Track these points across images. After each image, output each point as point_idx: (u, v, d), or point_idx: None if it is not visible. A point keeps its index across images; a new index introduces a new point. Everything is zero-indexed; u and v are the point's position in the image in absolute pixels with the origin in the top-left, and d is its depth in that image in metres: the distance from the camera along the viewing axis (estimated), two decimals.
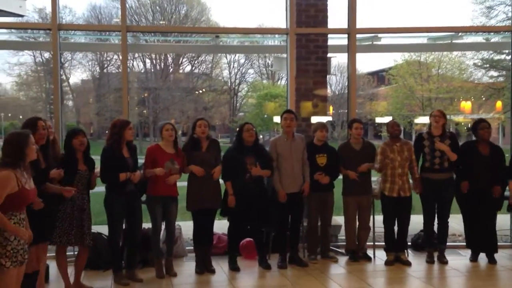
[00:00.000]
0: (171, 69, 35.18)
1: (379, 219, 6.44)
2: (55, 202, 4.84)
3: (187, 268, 6.07)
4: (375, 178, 6.53)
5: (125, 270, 5.58)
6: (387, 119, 26.54)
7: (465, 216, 6.30)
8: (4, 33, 8.74)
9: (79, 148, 5.08)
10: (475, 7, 28.06)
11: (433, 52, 27.58)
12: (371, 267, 6.20)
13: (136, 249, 5.63)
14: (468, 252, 6.42)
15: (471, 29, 10.20)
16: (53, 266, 5.47)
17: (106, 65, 34.72)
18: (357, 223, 6.39)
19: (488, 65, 25.15)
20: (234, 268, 5.97)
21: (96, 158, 5.34)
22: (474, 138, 6.35)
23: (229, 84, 36.87)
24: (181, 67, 36.07)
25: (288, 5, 6.91)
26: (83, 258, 5.29)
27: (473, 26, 19.07)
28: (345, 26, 7.06)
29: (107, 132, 5.79)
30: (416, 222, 6.53)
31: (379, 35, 8.16)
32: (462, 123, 29.96)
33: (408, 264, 6.16)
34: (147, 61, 33.95)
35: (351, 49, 7.00)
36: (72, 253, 5.87)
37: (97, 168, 5.40)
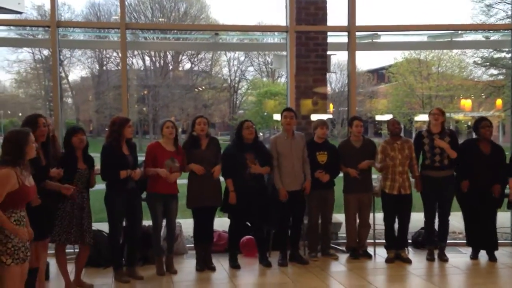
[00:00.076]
0: (171, 67, 35.15)
1: (379, 216, 6.44)
2: (55, 200, 4.84)
3: (187, 265, 6.08)
4: (375, 175, 6.52)
5: (125, 267, 5.58)
6: (387, 117, 26.59)
7: (465, 214, 6.30)
8: (3, 30, 8.73)
9: (79, 146, 5.08)
10: (475, 5, 28.02)
11: (433, 50, 27.55)
12: (371, 265, 6.20)
13: (137, 246, 5.64)
14: (468, 250, 6.42)
15: (471, 27, 10.22)
16: (53, 264, 5.47)
17: (105, 63, 34.75)
18: (358, 220, 6.39)
19: (488, 63, 25.15)
20: (234, 265, 5.97)
21: (96, 156, 5.34)
22: (475, 136, 6.34)
23: (229, 82, 36.88)
24: (180, 65, 36.07)
25: (287, 3, 6.90)
26: (83, 256, 5.29)
27: (473, 24, 19.06)
28: (345, 24, 7.04)
29: (106, 129, 5.78)
30: (417, 219, 6.53)
31: (379, 33, 8.14)
32: (462, 121, 29.98)
33: (409, 261, 6.16)
34: (147, 58, 33.94)
35: (351, 47, 6.99)
36: (72, 250, 5.87)
37: (97, 166, 5.40)
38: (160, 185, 5.58)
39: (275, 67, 27.52)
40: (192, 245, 6.15)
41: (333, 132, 28.24)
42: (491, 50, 22.80)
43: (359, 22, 6.98)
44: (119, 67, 10.08)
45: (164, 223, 5.78)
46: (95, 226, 5.53)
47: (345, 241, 6.60)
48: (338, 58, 28.00)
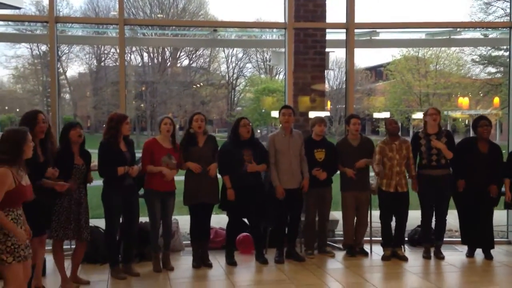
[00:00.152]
0: (169, 63, 35.11)
1: (376, 214, 6.44)
2: (51, 196, 4.83)
3: (184, 262, 6.08)
4: (373, 173, 6.52)
5: (122, 264, 5.58)
6: (384, 115, 26.56)
7: (460, 212, 6.31)
8: (1, 25, 8.71)
9: (77, 141, 5.06)
10: (473, 3, 28.05)
11: (431, 48, 27.56)
12: (368, 262, 6.21)
13: (133, 243, 5.63)
14: (464, 248, 6.44)
15: (470, 25, 10.23)
16: (49, 260, 5.46)
17: (103, 59, 34.72)
18: (355, 218, 6.40)
19: (486, 61, 25.18)
20: (231, 262, 5.97)
21: (93, 152, 5.32)
22: (473, 135, 6.35)
23: (227, 79, 36.85)
24: (178, 61, 36.05)
25: (286, 0, 6.89)
26: (80, 252, 5.28)
27: (472, 21, 19.08)
28: (344, 21, 7.04)
29: (104, 126, 5.77)
30: (413, 217, 6.54)
31: (378, 30, 8.14)
32: (460, 119, 30.00)
33: (405, 259, 6.17)
34: (145, 54, 33.93)
35: (349, 44, 6.99)
36: (69, 247, 5.86)
37: (94, 162, 5.38)
38: (158, 182, 5.57)
39: (273, 64, 27.50)
40: (189, 242, 6.15)
41: (330, 129, 28.25)
42: (489, 48, 22.84)
43: (357, 19, 6.97)
44: (117, 63, 10.08)
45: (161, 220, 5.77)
46: (92, 222, 5.52)
47: (341, 238, 6.61)
48: (336, 55, 27.96)
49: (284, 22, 6.99)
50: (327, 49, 7.26)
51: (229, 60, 36.47)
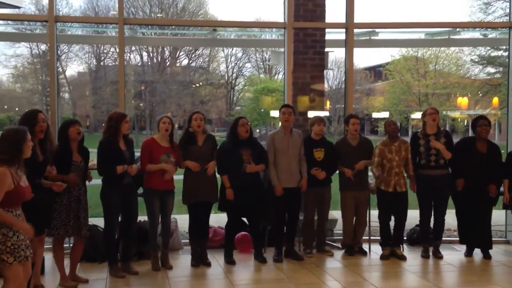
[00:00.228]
0: (168, 63, 35.10)
1: (375, 213, 6.46)
2: (51, 194, 4.83)
3: (182, 261, 6.09)
4: (371, 173, 6.54)
5: (120, 262, 5.58)
6: (383, 115, 26.53)
7: (459, 212, 6.32)
8: (1, 24, 8.71)
9: (76, 138, 5.07)
10: (473, 3, 28.00)
11: (430, 48, 27.58)
12: (366, 261, 6.22)
13: (132, 241, 5.64)
14: (463, 247, 6.44)
15: (469, 25, 10.23)
16: (48, 258, 5.47)
17: (102, 58, 34.70)
18: (354, 218, 6.41)
19: (485, 61, 25.19)
20: (230, 261, 5.98)
21: (93, 151, 5.33)
22: (472, 134, 6.36)
23: (226, 78, 36.83)
24: (178, 61, 36.02)
25: None
26: (79, 249, 5.29)
27: (471, 21, 19.08)
28: (343, 20, 7.04)
29: (103, 125, 5.77)
30: (411, 217, 6.55)
31: (377, 30, 8.15)
32: (459, 119, 30.02)
33: (403, 258, 6.18)
34: (144, 54, 33.91)
35: (349, 44, 6.99)
36: (68, 245, 5.87)
37: (93, 161, 5.39)
38: (157, 180, 5.58)
39: (273, 64, 27.48)
40: (188, 240, 6.16)
41: (329, 129, 28.24)
42: (488, 48, 22.85)
43: (357, 19, 6.99)
44: (117, 63, 10.08)
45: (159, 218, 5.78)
46: (91, 221, 5.52)
47: (340, 237, 6.62)
48: (335, 54, 27.98)
49: (283, 21, 7.00)
50: (326, 49, 7.28)
51: (229, 60, 36.50)
